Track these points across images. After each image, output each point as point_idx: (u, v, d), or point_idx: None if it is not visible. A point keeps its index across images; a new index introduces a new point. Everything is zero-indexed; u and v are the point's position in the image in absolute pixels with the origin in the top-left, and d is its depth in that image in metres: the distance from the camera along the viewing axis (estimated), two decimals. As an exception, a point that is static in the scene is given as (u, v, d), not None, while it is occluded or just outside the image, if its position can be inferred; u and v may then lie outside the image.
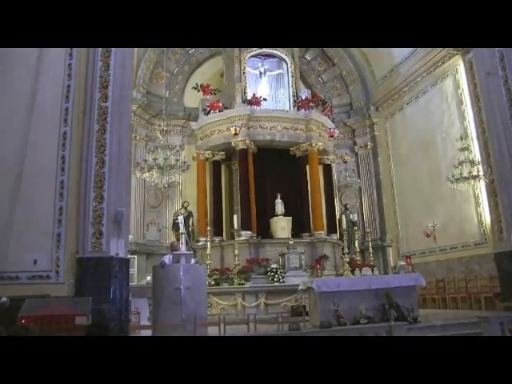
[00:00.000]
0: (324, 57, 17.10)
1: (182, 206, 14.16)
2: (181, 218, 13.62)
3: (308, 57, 17.03)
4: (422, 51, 13.73)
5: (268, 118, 13.83)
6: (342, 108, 16.89)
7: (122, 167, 7.78)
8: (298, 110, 14.24)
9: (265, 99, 14.08)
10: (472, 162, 10.75)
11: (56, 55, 7.82)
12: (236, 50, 14.35)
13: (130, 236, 11.83)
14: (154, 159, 10.04)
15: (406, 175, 14.75)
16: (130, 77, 8.64)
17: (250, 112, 13.56)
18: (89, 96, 7.83)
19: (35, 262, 6.92)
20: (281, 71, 15.15)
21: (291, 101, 14.61)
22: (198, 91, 14.47)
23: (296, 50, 15.02)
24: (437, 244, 13.09)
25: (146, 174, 10.17)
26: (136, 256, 12.64)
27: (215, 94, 14.57)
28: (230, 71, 14.52)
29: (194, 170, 13.78)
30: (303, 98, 14.37)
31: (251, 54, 14.63)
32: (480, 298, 11.02)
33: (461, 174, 10.72)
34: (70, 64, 7.85)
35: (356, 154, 16.51)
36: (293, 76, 14.80)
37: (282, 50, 14.80)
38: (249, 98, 13.95)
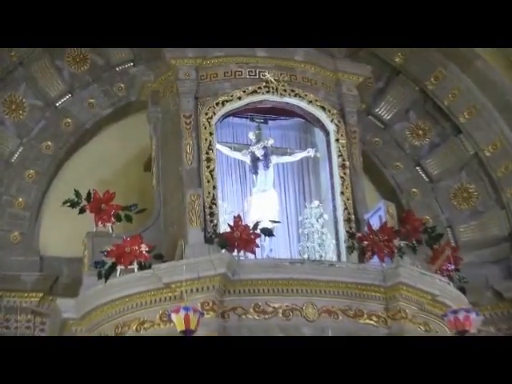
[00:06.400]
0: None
1: None
2: None
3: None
4: None
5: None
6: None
7: None
8: (362, 260, 6.79)
9: (270, 234, 6.53)
10: None
11: None
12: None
13: None
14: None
15: None
16: None
17: (226, 269, 6.17)
18: None
19: None
20: (311, 154, 7.48)
21: (343, 236, 6.85)
22: (82, 211, 6.95)
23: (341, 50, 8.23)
24: None
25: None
26: None
27: (129, 218, 7.07)
28: (170, 150, 7.44)
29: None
30: (376, 226, 6.61)
31: (222, 111, 7.38)
32: None
33: None
34: None
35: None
36: (341, 156, 7.43)
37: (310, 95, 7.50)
38: (223, 228, 6.82)
